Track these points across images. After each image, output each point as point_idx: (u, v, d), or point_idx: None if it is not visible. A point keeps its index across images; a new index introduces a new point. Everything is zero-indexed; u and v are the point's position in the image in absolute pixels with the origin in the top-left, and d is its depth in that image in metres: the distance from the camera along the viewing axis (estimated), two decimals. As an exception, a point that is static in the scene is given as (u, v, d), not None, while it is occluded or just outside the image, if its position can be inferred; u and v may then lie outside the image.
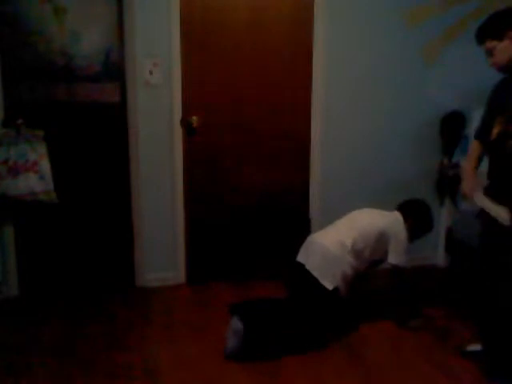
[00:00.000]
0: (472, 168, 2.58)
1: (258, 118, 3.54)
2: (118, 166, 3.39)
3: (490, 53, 2.38)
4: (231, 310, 2.74)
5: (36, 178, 3.10)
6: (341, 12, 3.52)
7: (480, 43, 2.41)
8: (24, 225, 3.30)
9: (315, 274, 2.80)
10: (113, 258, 3.48)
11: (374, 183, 3.80)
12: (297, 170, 3.68)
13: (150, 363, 2.63)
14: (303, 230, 3.71)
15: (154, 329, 2.98)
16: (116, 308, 3.23)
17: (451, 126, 3.79)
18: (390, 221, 3.05)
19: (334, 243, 2.88)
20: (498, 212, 2.34)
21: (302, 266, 2.90)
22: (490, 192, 2.44)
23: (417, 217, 3.17)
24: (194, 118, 3.40)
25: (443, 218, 3.97)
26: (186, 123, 3.41)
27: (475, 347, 2.68)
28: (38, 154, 3.11)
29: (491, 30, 2.36)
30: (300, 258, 2.96)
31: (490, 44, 2.35)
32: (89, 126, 3.32)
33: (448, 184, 3.84)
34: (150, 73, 3.29)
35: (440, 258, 4.02)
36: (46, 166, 3.12)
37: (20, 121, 3.09)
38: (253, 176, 3.61)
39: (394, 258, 2.97)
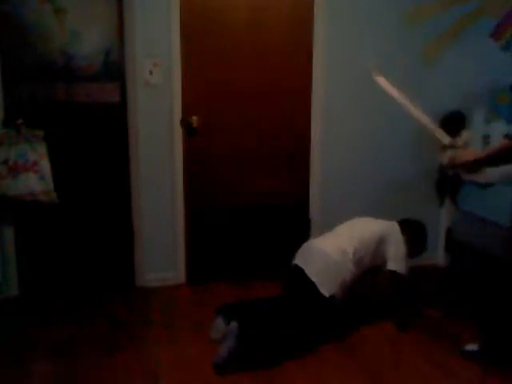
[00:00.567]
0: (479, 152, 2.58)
1: (258, 117, 3.54)
2: (118, 166, 3.39)
3: None
4: (217, 311, 2.73)
5: (36, 177, 3.10)
6: (341, 12, 3.52)
7: None
8: (24, 225, 3.30)
9: (314, 279, 2.79)
10: (113, 258, 3.48)
11: (374, 183, 3.80)
12: (297, 170, 3.68)
13: (149, 363, 2.63)
14: (303, 230, 3.72)
15: (154, 329, 2.98)
16: (116, 308, 3.23)
17: (451, 126, 3.79)
18: (388, 227, 3.07)
19: (335, 251, 2.88)
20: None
21: (299, 269, 2.87)
22: None
23: (413, 234, 3.17)
24: (194, 118, 3.40)
25: (443, 218, 3.97)
26: (185, 123, 3.41)
27: (473, 347, 2.68)
28: (38, 154, 3.10)
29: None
30: (299, 262, 2.93)
31: None
32: (89, 126, 3.32)
33: (448, 184, 3.84)
34: (150, 73, 3.29)
35: (440, 257, 4.02)
36: (46, 166, 3.12)
37: (20, 121, 3.09)
38: (253, 176, 3.61)
39: (393, 264, 2.98)
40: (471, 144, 3.74)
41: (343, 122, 3.68)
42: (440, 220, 3.96)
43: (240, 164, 3.58)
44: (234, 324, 2.54)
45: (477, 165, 2.59)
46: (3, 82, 3.11)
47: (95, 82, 3.27)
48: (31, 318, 3.10)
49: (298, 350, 2.73)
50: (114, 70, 3.29)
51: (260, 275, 3.61)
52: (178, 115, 3.39)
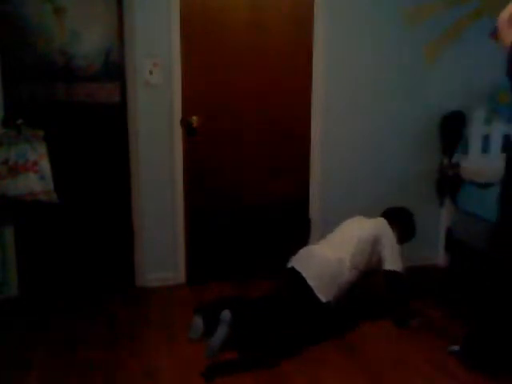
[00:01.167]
0: None
1: (258, 117, 3.54)
2: (118, 166, 3.39)
3: None
4: (196, 311, 2.70)
5: (36, 177, 3.10)
6: (341, 12, 3.52)
7: None
8: (24, 225, 3.30)
9: (311, 283, 2.78)
10: (113, 257, 3.48)
11: (374, 183, 3.80)
12: (297, 170, 3.68)
13: (149, 363, 2.63)
14: (303, 230, 3.72)
15: (154, 329, 2.98)
16: (116, 308, 3.23)
17: (451, 126, 3.79)
18: (379, 226, 3.08)
19: (332, 258, 2.87)
20: None
21: (296, 272, 2.86)
22: None
23: (401, 223, 3.21)
24: (194, 118, 3.40)
25: (443, 217, 3.97)
26: (185, 123, 3.41)
27: (456, 347, 2.70)
28: (38, 154, 3.10)
29: None
30: (296, 265, 2.90)
31: None
32: (89, 125, 3.32)
33: (448, 184, 3.84)
34: (150, 73, 3.29)
35: (440, 257, 4.02)
36: (46, 165, 3.12)
37: (20, 121, 3.08)
38: (253, 176, 3.61)
39: (390, 264, 2.98)
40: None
41: (343, 122, 3.68)
42: (440, 220, 3.96)
43: (240, 164, 3.58)
44: (226, 312, 2.52)
45: None
46: (3, 82, 3.11)
47: (95, 81, 3.27)
48: (31, 317, 3.10)
49: (296, 349, 2.73)
50: (114, 70, 3.29)
51: (260, 275, 3.61)
52: (178, 115, 3.38)
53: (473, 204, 3.62)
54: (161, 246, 3.51)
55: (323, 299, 2.77)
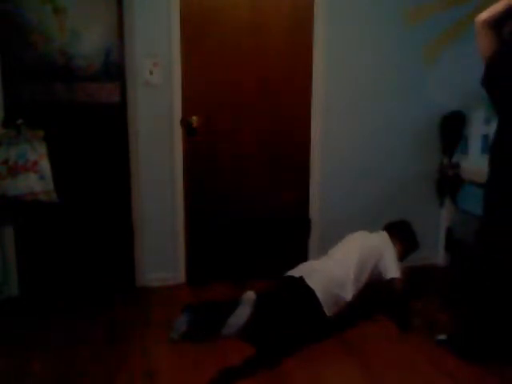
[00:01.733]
0: None
1: (258, 117, 3.54)
2: (118, 166, 3.39)
3: None
4: (183, 310, 2.69)
5: (36, 177, 3.10)
6: (341, 12, 3.52)
7: None
8: (24, 225, 3.30)
9: (320, 296, 2.78)
10: (113, 257, 3.48)
11: (373, 183, 3.79)
12: (297, 170, 3.68)
13: (149, 363, 2.63)
14: (303, 230, 3.72)
15: (154, 329, 2.98)
16: (116, 308, 3.23)
17: (451, 126, 3.79)
18: (382, 240, 3.12)
19: (335, 280, 2.88)
20: None
21: (296, 279, 2.86)
22: None
23: (404, 237, 3.26)
24: (194, 118, 3.40)
25: (443, 218, 3.97)
26: (185, 123, 3.41)
27: (443, 336, 2.78)
28: (38, 154, 3.10)
29: None
30: (299, 274, 2.89)
31: None
32: (89, 125, 3.32)
33: (448, 184, 3.84)
34: (150, 73, 3.29)
35: (440, 257, 4.02)
36: (46, 166, 3.12)
37: (20, 121, 3.09)
38: (253, 176, 3.61)
39: (393, 272, 3.01)
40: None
41: (343, 122, 3.68)
42: (440, 220, 3.96)
43: (240, 164, 3.58)
44: (250, 293, 2.53)
45: None
46: (3, 82, 3.11)
47: (95, 81, 3.27)
48: (31, 317, 3.10)
49: (296, 348, 2.73)
50: (114, 69, 3.29)
51: (260, 275, 3.61)
52: (178, 115, 3.38)
53: (473, 204, 3.62)
54: (161, 246, 3.51)
55: (328, 313, 2.80)
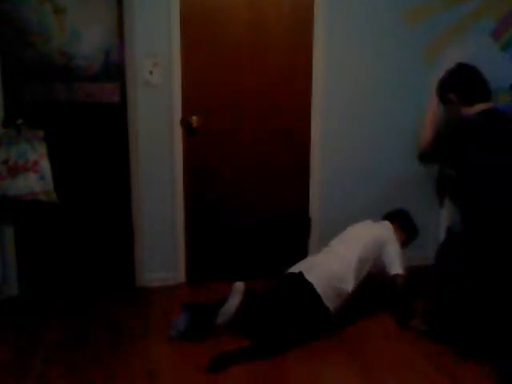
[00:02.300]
0: None
1: (258, 117, 3.54)
2: (118, 166, 3.39)
3: None
4: (183, 307, 2.75)
5: (36, 177, 3.10)
6: (341, 12, 3.52)
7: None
8: (24, 225, 3.30)
9: (319, 290, 2.80)
10: (113, 257, 3.48)
11: (373, 183, 3.80)
12: (297, 170, 3.68)
13: (150, 363, 2.63)
14: (303, 229, 3.72)
15: (154, 329, 2.98)
16: (116, 308, 3.23)
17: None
18: (384, 230, 3.14)
19: (336, 275, 2.88)
20: None
21: (297, 276, 2.87)
22: None
23: (404, 225, 3.31)
24: (194, 118, 3.40)
25: (443, 218, 3.96)
26: (186, 123, 3.41)
27: (417, 322, 2.85)
28: (38, 154, 3.11)
29: None
30: (301, 270, 2.91)
31: None
32: (89, 125, 3.32)
33: (448, 184, 3.83)
34: (150, 73, 3.29)
35: (440, 257, 4.01)
36: (46, 165, 3.12)
37: (20, 121, 3.09)
38: (253, 176, 3.61)
39: (397, 268, 3.02)
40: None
41: (343, 122, 3.68)
42: (440, 220, 3.95)
43: (240, 163, 3.58)
44: (239, 283, 2.56)
45: None
46: (3, 82, 3.11)
47: (95, 81, 3.27)
48: (31, 317, 3.10)
49: (296, 344, 2.74)
50: (114, 70, 3.29)
51: (260, 275, 3.61)
52: (177, 115, 3.38)
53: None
54: (161, 246, 3.51)
55: (331, 307, 2.81)
